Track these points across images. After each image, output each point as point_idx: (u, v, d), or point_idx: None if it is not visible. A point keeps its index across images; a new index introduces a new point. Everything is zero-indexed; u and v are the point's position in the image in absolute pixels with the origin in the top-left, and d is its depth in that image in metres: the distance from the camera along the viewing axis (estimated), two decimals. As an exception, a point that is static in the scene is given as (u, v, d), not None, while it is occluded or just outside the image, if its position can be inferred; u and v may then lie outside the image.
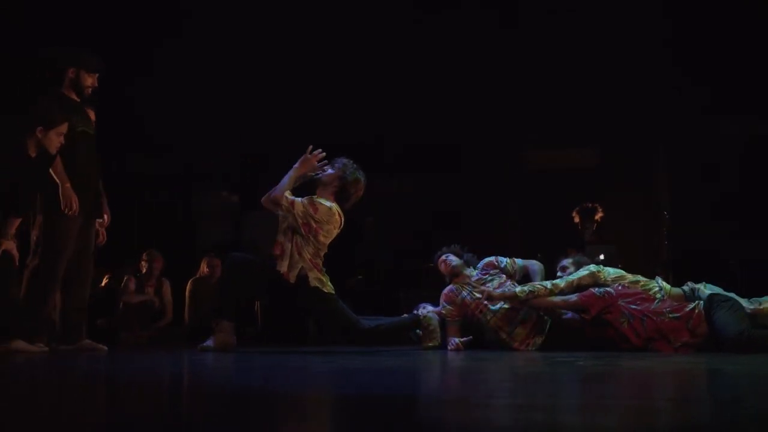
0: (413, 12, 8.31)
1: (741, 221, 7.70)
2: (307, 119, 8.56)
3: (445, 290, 5.39)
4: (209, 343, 4.78)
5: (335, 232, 4.95)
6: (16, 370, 3.46)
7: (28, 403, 2.10)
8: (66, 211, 4.75)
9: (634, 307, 4.64)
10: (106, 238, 5.73)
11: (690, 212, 8.05)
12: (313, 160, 4.89)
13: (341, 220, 4.96)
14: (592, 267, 5.08)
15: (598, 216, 7.14)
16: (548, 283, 4.97)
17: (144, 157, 9.21)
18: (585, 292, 4.80)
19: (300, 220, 4.81)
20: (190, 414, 1.82)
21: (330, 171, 5.01)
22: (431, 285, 6.58)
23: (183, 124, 9.01)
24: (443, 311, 5.32)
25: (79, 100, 5.04)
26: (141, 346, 6.54)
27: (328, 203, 4.89)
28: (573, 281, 4.94)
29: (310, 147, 4.90)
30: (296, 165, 4.88)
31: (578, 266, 5.15)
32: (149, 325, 7.14)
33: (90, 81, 5.01)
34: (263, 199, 4.96)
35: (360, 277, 8.14)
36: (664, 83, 8.29)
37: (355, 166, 5.05)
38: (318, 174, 5.03)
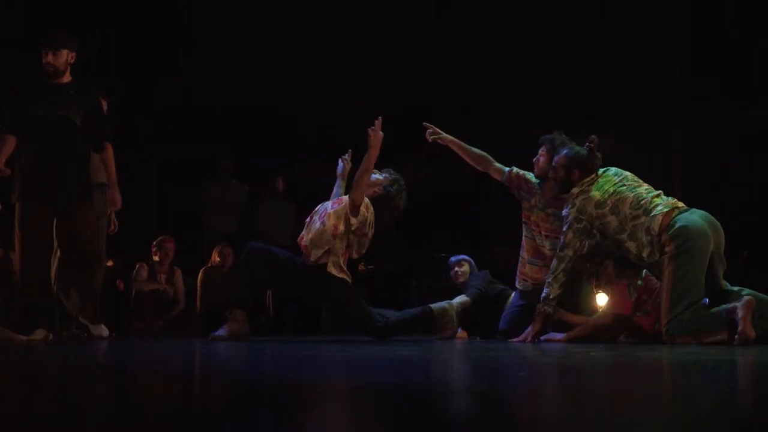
0: (430, 5, 8.33)
1: (752, 214, 7.66)
2: (325, 108, 8.57)
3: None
4: (222, 332, 4.78)
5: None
6: (21, 359, 3.47)
7: (40, 391, 2.10)
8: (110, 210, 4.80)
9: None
10: (117, 227, 5.72)
11: (703, 203, 8.01)
12: (380, 135, 4.73)
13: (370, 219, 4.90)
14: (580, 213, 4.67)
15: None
16: (554, 263, 4.71)
17: (159, 144, 9.26)
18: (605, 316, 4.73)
19: (356, 224, 4.77)
20: (202, 402, 1.82)
21: (377, 176, 4.95)
22: (443, 274, 6.54)
23: (197, 112, 9.06)
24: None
25: (56, 82, 4.84)
26: (153, 335, 6.56)
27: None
28: (569, 233, 4.59)
29: (378, 121, 4.72)
30: (371, 152, 4.72)
31: None
32: (161, 313, 7.17)
33: (46, 58, 4.81)
34: (355, 184, 4.75)
35: (371, 266, 8.14)
36: (683, 72, 8.24)
37: (403, 186, 4.99)
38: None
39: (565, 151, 4.78)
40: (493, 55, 8.44)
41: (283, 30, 8.54)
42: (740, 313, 4.06)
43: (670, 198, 4.58)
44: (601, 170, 4.73)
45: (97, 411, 1.64)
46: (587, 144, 4.74)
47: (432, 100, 8.70)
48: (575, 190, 4.64)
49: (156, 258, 7.26)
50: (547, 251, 5.17)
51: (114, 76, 8.24)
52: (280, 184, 8.38)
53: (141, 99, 8.75)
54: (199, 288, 7.44)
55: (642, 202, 4.49)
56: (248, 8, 8.51)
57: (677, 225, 4.34)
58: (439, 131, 5.32)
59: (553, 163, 4.82)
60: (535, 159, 5.19)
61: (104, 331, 5.06)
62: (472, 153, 5.38)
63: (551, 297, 4.68)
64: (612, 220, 4.50)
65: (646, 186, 4.64)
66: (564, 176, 4.73)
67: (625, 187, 4.57)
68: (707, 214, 4.49)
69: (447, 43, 8.47)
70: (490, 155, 5.33)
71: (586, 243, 4.68)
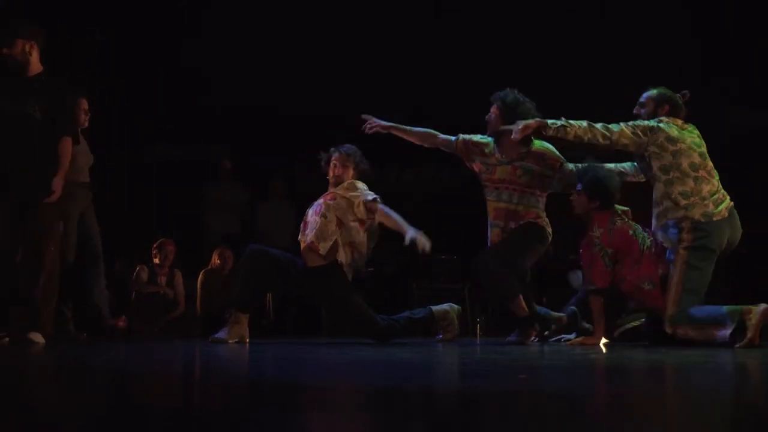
0: (430, 6, 8.34)
1: (752, 214, 7.67)
2: (325, 108, 8.56)
3: None
4: (222, 334, 4.77)
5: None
6: (20, 359, 3.46)
7: (40, 391, 2.09)
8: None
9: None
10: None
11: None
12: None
13: None
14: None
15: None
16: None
17: (159, 144, 9.26)
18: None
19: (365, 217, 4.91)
20: (202, 404, 1.82)
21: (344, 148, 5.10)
22: (444, 276, 6.52)
23: (197, 112, 9.06)
24: None
25: (22, 75, 4.72)
26: (153, 337, 6.55)
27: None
28: (627, 127, 4.50)
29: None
30: (402, 227, 4.84)
31: None
32: (161, 315, 7.16)
33: (2, 50, 4.72)
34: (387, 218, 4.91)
35: (370, 268, 8.14)
36: (683, 72, 8.24)
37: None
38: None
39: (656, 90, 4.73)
40: (492, 56, 8.44)
41: (283, 30, 8.54)
42: (754, 319, 4.07)
43: (727, 197, 4.53)
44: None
45: (97, 412, 1.64)
46: (679, 94, 4.73)
47: (432, 100, 8.70)
48: (656, 119, 4.57)
49: (156, 260, 7.25)
50: (521, 209, 5.04)
51: (114, 76, 8.24)
52: (280, 185, 8.38)
53: (141, 99, 8.75)
54: (199, 290, 7.43)
55: (700, 172, 4.47)
56: (248, 8, 8.51)
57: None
58: (374, 120, 5.16)
59: (642, 99, 4.75)
60: (487, 117, 5.09)
61: (39, 338, 4.57)
62: (415, 132, 5.24)
63: (560, 123, 4.51)
64: (667, 158, 4.46)
65: (711, 165, 4.58)
66: (652, 109, 4.68)
67: (699, 149, 4.54)
68: (733, 208, 4.50)
69: (448, 44, 8.47)
70: None
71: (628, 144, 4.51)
